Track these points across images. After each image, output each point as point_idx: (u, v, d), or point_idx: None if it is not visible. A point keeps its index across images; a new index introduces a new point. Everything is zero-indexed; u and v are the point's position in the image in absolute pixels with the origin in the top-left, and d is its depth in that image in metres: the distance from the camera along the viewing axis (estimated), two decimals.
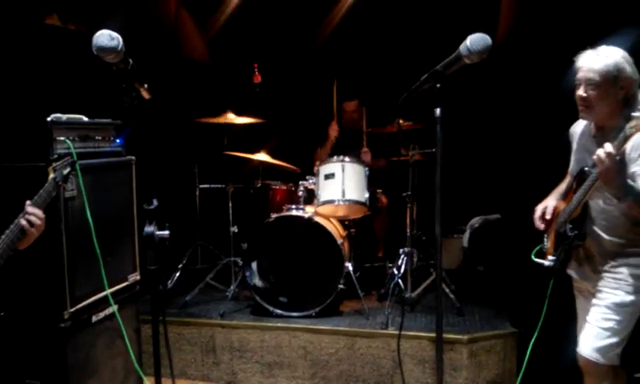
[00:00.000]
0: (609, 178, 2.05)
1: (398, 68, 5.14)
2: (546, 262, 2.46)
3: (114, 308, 2.72)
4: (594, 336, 2.27)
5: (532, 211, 2.54)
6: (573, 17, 3.68)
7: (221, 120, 4.31)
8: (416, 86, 1.98)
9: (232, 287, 4.05)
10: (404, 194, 4.00)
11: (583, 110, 2.24)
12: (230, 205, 4.30)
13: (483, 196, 4.90)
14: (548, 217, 2.48)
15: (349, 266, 3.79)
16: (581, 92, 2.21)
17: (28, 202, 1.96)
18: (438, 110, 1.90)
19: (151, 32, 4.66)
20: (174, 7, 5.20)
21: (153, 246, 1.92)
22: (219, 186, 4.49)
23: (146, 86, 1.85)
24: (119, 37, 1.70)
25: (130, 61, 1.78)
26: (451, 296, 3.82)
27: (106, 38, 1.68)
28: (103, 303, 2.70)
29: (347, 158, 3.95)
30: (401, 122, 4.33)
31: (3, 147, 2.60)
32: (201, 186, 4.63)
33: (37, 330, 2.50)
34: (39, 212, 1.96)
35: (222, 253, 4.44)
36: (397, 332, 3.44)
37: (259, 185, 4.30)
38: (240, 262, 3.96)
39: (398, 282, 3.84)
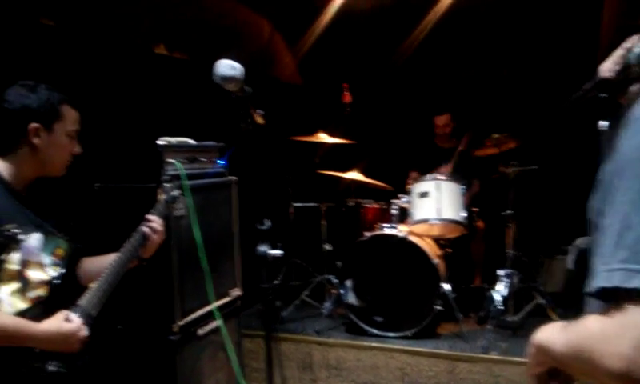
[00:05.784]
0: None
1: (489, 83, 5.01)
2: None
3: (219, 322, 2.80)
4: None
5: None
6: None
7: (313, 139, 4.38)
8: (578, 96, 1.86)
9: (327, 304, 4.07)
10: (503, 213, 3.85)
11: None
12: (323, 223, 4.35)
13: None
14: None
15: (445, 286, 3.69)
16: None
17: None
18: (602, 123, 1.77)
19: (246, 55, 4.83)
20: (267, 32, 5.38)
21: (266, 265, 1.96)
22: (312, 204, 4.56)
23: (260, 112, 1.90)
24: (240, 66, 1.76)
25: (248, 88, 1.84)
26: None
27: (227, 67, 1.76)
28: (208, 317, 2.79)
29: (442, 176, 3.88)
30: (496, 136, 4.20)
31: (119, 169, 2.78)
32: (295, 204, 4.72)
33: (148, 343, 2.61)
34: (159, 220, 2.03)
35: (316, 270, 4.48)
36: (499, 357, 3.31)
37: (352, 203, 4.31)
38: (334, 280, 3.97)
39: (497, 305, 3.69)
